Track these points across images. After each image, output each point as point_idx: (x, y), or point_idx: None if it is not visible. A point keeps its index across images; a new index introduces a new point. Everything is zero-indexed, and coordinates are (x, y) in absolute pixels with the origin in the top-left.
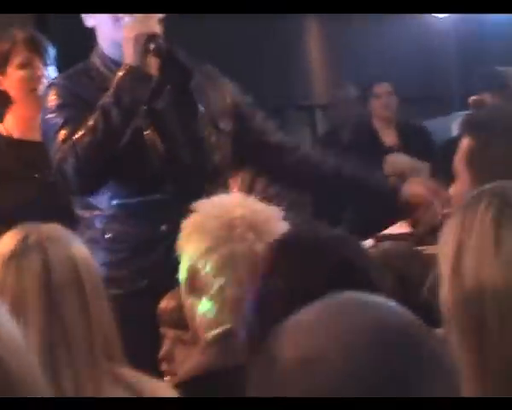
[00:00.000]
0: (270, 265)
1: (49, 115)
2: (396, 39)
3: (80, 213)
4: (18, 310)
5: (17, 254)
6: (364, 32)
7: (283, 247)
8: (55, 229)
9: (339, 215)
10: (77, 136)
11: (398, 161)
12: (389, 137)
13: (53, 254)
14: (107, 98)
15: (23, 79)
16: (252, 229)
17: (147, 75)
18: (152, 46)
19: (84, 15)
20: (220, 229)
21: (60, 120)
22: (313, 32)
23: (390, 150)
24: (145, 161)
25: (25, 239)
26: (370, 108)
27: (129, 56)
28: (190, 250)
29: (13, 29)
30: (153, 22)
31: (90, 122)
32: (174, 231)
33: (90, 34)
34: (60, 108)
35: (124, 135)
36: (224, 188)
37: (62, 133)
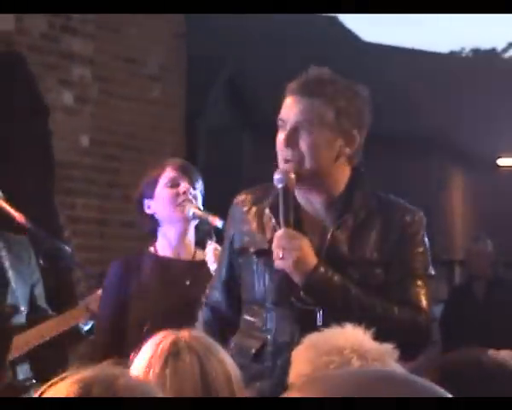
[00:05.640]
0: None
1: None
2: None
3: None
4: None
5: (171, 356)
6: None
7: (446, 371)
8: (199, 334)
9: None
10: None
11: None
12: None
13: (207, 359)
14: None
15: (170, 196)
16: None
17: None
18: None
19: None
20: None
21: None
22: (457, 182)
23: None
24: None
25: (176, 343)
26: None
27: None
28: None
29: (164, 160)
30: None
31: None
32: None
33: None
34: None
35: None
36: None
37: None
